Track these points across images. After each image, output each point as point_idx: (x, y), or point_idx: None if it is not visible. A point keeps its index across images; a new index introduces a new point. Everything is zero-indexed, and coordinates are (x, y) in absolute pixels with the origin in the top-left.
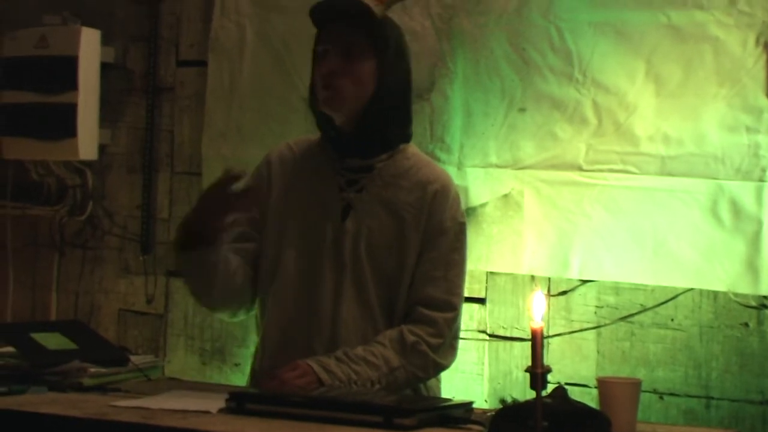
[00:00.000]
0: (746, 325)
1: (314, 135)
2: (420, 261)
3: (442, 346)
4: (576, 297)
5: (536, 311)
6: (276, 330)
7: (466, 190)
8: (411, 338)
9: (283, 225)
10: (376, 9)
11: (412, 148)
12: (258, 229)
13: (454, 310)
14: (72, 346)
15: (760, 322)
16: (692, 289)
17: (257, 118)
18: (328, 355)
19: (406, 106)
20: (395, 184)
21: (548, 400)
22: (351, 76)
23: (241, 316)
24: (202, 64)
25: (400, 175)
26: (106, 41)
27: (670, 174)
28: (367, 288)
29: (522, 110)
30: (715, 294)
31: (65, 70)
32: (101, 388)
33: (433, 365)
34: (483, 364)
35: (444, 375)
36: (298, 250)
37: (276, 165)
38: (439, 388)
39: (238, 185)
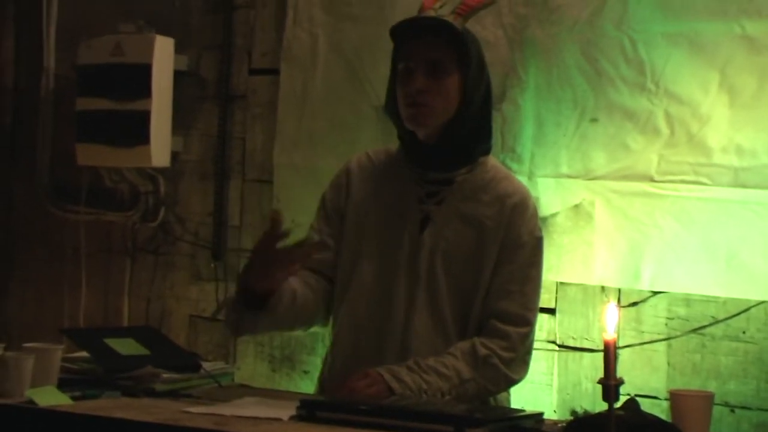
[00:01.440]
0: None
1: (393, 146)
2: (495, 274)
3: (515, 361)
4: (647, 308)
5: (609, 323)
6: (348, 339)
7: (536, 200)
8: (483, 351)
9: (361, 234)
10: (456, 23)
11: (492, 160)
12: (337, 238)
13: (528, 325)
14: (145, 351)
15: None
16: (765, 301)
17: (329, 127)
18: (399, 364)
19: (488, 119)
20: (474, 198)
21: (621, 413)
22: (437, 93)
23: (317, 329)
24: (275, 72)
25: (480, 188)
26: (179, 49)
27: (743, 185)
28: (442, 300)
29: (594, 120)
30: None
31: (139, 78)
32: (173, 394)
33: (504, 379)
34: (552, 374)
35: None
36: (374, 260)
37: (355, 173)
38: (508, 400)
39: (288, 242)
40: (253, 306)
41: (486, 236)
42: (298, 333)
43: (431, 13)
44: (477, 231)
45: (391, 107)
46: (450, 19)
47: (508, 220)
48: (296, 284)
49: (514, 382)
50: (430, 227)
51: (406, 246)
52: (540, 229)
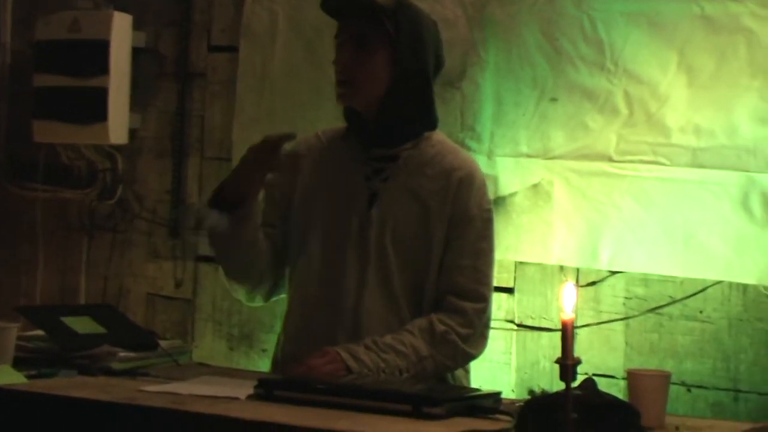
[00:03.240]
0: None
1: (342, 125)
2: (447, 250)
3: (472, 336)
4: (605, 288)
5: (567, 303)
6: (298, 318)
7: (495, 179)
8: (440, 327)
9: (309, 214)
10: None
11: (438, 135)
12: (284, 216)
13: (484, 300)
14: (101, 330)
15: None
16: (722, 281)
17: (288, 105)
18: (357, 342)
19: (428, 93)
20: (420, 173)
21: (578, 392)
22: (362, 68)
23: (258, 302)
24: (234, 49)
25: (425, 163)
26: (137, 26)
27: (702, 166)
28: (392, 278)
29: (553, 100)
30: (745, 287)
31: (97, 54)
32: (130, 373)
33: (462, 355)
34: (510, 353)
35: (472, 364)
36: (322, 239)
37: (303, 154)
38: (467, 378)
39: (286, 147)
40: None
41: (432, 211)
42: (240, 294)
43: None
44: (424, 206)
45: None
46: None
47: (454, 194)
48: (258, 230)
49: (473, 357)
50: (377, 205)
51: (355, 224)
52: (489, 202)
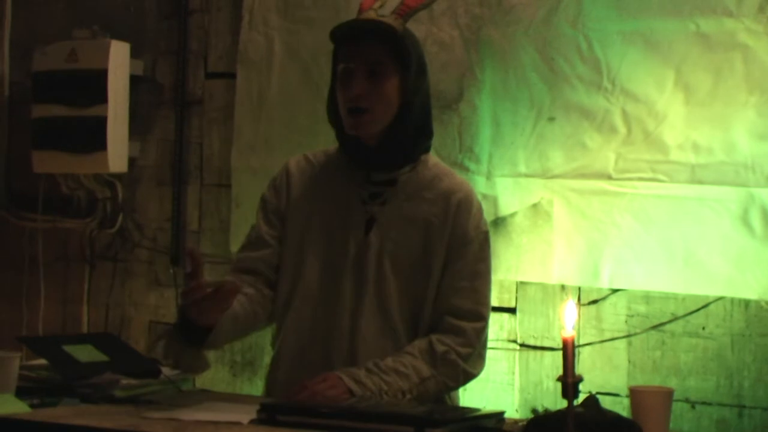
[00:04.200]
0: None
1: (331, 147)
2: (446, 272)
3: (472, 355)
4: (606, 306)
5: (568, 320)
6: (293, 344)
7: (495, 199)
8: (441, 348)
9: (303, 238)
10: (395, 23)
11: (433, 158)
12: (278, 237)
13: (482, 319)
14: (104, 358)
15: None
16: (723, 297)
17: (285, 130)
18: (358, 366)
19: (429, 118)
20: (418, 196)
21: (580, 410)
22: (377, 97)
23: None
24: (231, 76)
25: (423, 186)
26: (135, 54)
27: (700, 182)
28: (391, 303)
29: (551, 120)
30: (747, 302)
31: (95, 84)
32: (133, 400)
33: (463, 374)
34: (513, 374)
35: (474, 385)
36: (318, 264)
37: (295, 176)
38: (458, 397)
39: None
40: (195, 337)
41: (433, 235)
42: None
43: (371, 14)
44: (423, 230)
45: (331, 110)
46: (390, 19)
47: (453, 217)
48: (236, 303)
49: (473, 376)
50: (375, 228)
51: (352, 248)
52: (486, 224)
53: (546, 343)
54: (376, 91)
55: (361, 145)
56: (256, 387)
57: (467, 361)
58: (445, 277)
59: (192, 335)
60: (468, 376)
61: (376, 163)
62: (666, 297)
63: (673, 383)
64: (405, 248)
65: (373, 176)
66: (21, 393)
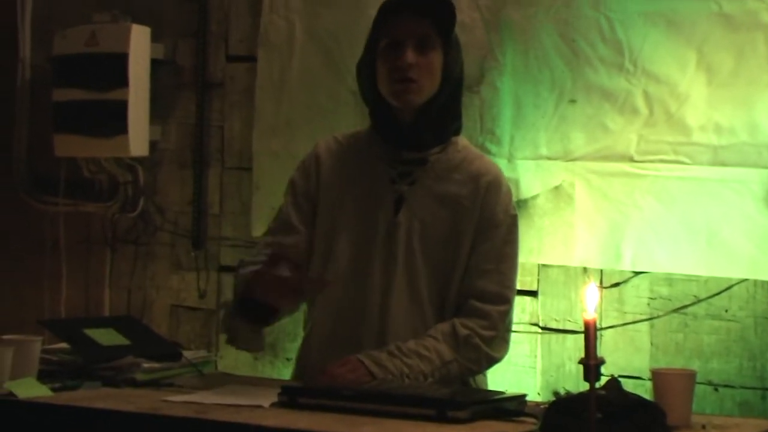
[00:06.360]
0: None
1: (361, 128)
2: (472, 254)
3: (495, 339)
4: (629, 289)
5: (589, 303)
6: (325, 324)
7: (516, 182)
8: (463, 331)
9: (334, 218)
10: None
11: (463, 140)
12: (309, 222)
13: (507, 303)
14: (125, 341)
15: None
16: (746, 279)
17: (307, 113)
18: (380, 349)
19: (460, 98)
20: (448, 177)
21: (602, 392)
22: (425, 69)
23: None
24: (252, 59)
25: (453, 168)
26: (155, 38)
27: (723, 164)
28: (419, 282)
29: (572, 101)
30: None
31: (115, 67)
32: (154, 383)
33: (486, 358)
34: (536, 356)
35: (497, 368)
36: (349, 243)
37: (324, 158)
38: (485, 381)
39: (284, 272)
40: (255, 315)
41: (462, 215)
42: None
43: None
44: (452, 211)
45: (366, 86)
46: None
47: (483, 199)
48: None
49: (496, 360)
50: (404, 208)
51: (381, 228)
52: (514, 207)
53: (568, 326)
54: (424, 63)
55: (396, 121)
56: (278, 370)
57: (490, 345)
58: (472, 259)
59: (252, 313)
60: (491, 360)
61: (408, 141)
62: (688, 279)
63: (695, 366)
64: (433, 228)
65: (404, 155)
66: (43, 376)
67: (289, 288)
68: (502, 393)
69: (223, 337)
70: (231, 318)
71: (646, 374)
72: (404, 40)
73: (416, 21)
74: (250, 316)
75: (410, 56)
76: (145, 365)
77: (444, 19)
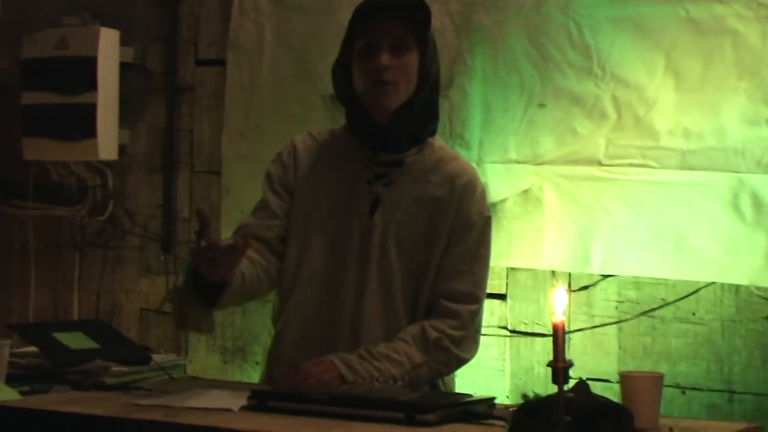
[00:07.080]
0: None
1: (336, 127)
2: (446, 255)
3: (465, 339)
4: (597, 292)
5: (558, 306)
6: (296, 324)
7: (486, 185)
8: (433, 334)
9: (310, 217)
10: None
11: (439, 141)
12: (286, 210)
13: (477, 302)
14: (94, 345)
15: None
16: (714, 283)
17: (276, 117)
18: (351, 352)
19: (436, 99)
20: (424, 179)
21: (570, 395)
22: (401, 71)
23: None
24: (221, 63)
25: (429, 169)
26: (125, 41)
27: (691, 168)
28: (393, 283)
29: (541, 106)
30: (737, 288)
31: (85, 71)
32: (124, 387)
33: (455, 360)
34: (504, 360)
35: (465, 371)
36: (324, 244)
37: (301, 151)
38: (453, 383)
39: (222, 244)
40: (204, 295)
41: (437, 217)
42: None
43: None
44: (428, 212)
45: (341, 88)
46: None
47: (458, 200)
48: (242, 265)
49: (465, 361)
50: (380, 209)
51: (357, 229)
52: (488, 209)
53: (536, 329)
54: (400, 65)
55: (372, 123)
56: (247, 374)
57: (460, 346)
58: (446, 259)
59: (201, 293)
60: (461, 362)
61: (384, 143)
62: (656, 283)
63: (663, 369)
64: (409, 230)
65: (380, 157)
66: (11, 380)
67: (221, 255)
68: (470, 396)
69: (192, 341)
70: (180, 300)
71: (614, 377)
72: (379, 42)
73: (391, 23)
74: (199, 294)
75: (385, 59)
76: (114, 369)
77: (419, 20)
